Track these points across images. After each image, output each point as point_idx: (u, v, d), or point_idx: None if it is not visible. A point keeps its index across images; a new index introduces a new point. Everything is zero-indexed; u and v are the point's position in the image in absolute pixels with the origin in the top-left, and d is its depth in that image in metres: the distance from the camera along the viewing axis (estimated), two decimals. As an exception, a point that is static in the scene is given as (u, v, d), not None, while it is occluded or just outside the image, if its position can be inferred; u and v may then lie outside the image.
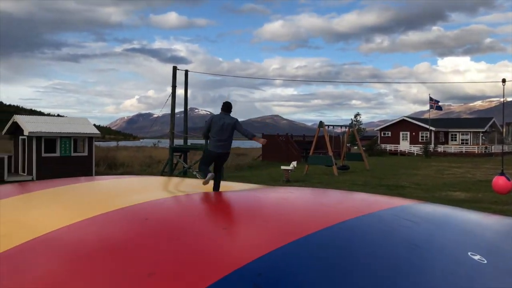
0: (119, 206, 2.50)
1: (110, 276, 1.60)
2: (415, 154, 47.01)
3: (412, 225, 2.76)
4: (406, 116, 56.47)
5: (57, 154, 19.40)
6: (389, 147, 51.85)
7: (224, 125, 5.49)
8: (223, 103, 5.94)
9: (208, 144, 5.83)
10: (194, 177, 19.30)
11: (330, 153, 22.85)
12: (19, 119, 19.64)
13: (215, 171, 5.30)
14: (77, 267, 1.69)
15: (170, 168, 21.86)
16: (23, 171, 19.36)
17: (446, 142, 52.97)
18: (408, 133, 52.96)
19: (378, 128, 58.89)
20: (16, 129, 19.84)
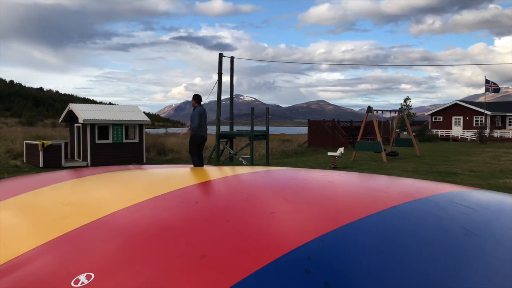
0: (171, 189, 2.56)
1: (164, 257, 1.64)
2: (469, 139, 45.04)
3: (468, 211, 2.65)
4: (459, 100, 54.05)
5: (110, 140, 20.19)
6: (441, 132, 49.97)
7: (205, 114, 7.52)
8: (199, 96, 8.63)
9: (196, 131, 7.87)
10: (240, 163, 19.49)
11: (379, 139, 22.34)
12: (74, 107, 20.57)
13: (199, 154, 6.87)
14: (133, 248, 1.75)
15: (217, 154, 22.19)
16: (79, 157, 20.32)
17: (503, 127, 50.30)
18: (461, 117, 50.76)
19: (429, 112, 56.83)
20: (72, 117, 20.80)
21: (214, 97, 23.31)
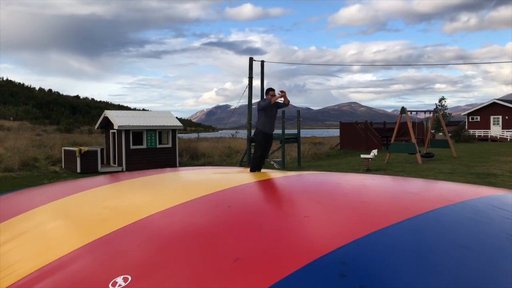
0: (203, 193, 2.59)
1: (198, 260, 1.66)
2: (509, 139, 43.39)
3: (509, 216, 2.55)
4: (497, 99, 52.14)
5: (144, 146, 20.61)
6: (478, 132, 48.37)
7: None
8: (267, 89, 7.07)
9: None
10: (272, 166, 19.49)
11: (413, 140, 21.84)
12: (109, 114, 21.12)
13: (261, 156, 6.26)
14: (168, 252, 1.78)
15: (248, 158, 22.26)
16: (114, 163, 20.83)
17: (545, 126, 48.19)
18: (500, 117, 48.95)
19: (466, 112, 55.10)
20: (107, 124, 21.36)
21: (245, 101, 23.41)
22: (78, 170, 19.02)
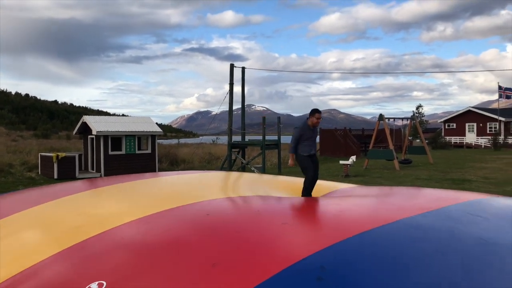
0: (183, 202, 2.59)
1: (175, 266, 1.66)
2: (483, 146, 44.47)
3: (482, 221, 2.62)
4: (472, 107, 53.46)
5: (123, 152, 20.38)
6: (454, 139, 49.43)
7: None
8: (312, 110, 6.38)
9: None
10: (252, 172, 19.51)
11: (391, 147, 22.18)
12: (87, 119, 20.82)
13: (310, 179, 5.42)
14: (144, 258, 1.77)
15: (229, 164, 22.22)
16: (92, 169, 20.52)
17: (518, 133, 49.56)
18: (475, 124, 50.16)
19: (442, 120, 56.27)
20: (85, 129, 21.06)
21: (226, 107, 23.41)
22: (55, 176, 18.67)
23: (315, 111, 6.35)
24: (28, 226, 2.35)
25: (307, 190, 4.92)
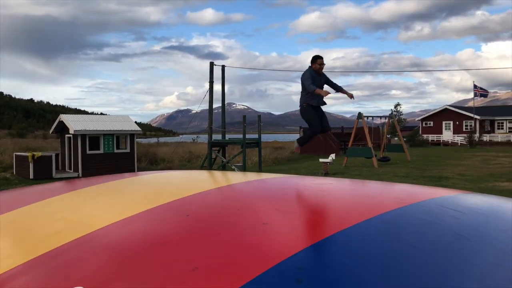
0: (162, 202, 2.56)
1: (155, 270, 1.64)
2: (459, 144, 45.45)
3: (458, 215, 2.67)
4: (449, 105, 54.65)
5: (101, 151, 20.09)
6: (431, 137, 50.38)
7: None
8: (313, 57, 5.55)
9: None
10: (233, 171, 19.49)
11: (370, 145, 22.47)
12: (64, 118, 20.45)
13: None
14: (123, 263, 1.74)
15: (209, 162, 22.14)
16: (70, 168, 20.16)
17: (492, 131, 50.82)
18: (451, 122, 51.24)
19: (420, 118, 57.30)
20: (62, 128, 20.68)
21: (206, 106, 23.32)
22: (31, 176, 18.29)
23: (316, 57, 5.67)
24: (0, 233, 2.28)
25: (304, 139, 4.48)
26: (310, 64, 5.51)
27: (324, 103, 5.57)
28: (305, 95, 5.28)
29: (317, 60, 5.58)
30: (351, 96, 5.69)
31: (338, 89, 5.72)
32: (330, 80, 5.60)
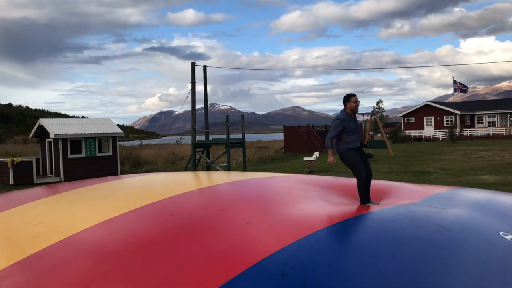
0: (145, 203, 2.54)
1: (139, 270, 1.63)
2: (440, 139, 46.17)
3: (440, 210, 2.72)
4: (430, 101, 55.44)
5: (83, 155, 19.82)
6: (413, 133, 51.05)
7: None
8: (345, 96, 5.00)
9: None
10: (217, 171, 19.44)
11: (353, 142, 22.63)
12: (44, 122, 20.11)
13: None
14: (107, 264, 1.72)
15: (193, 164, 22.05)
16: (51, 173, 19.85)
17: (472, 126, 51.79)
18: (432, 118, 52.01)
19: (401, 114, 57.99)
20: (43, 133, 20.34)
21: (189, 107, 23.20)
22: (11, 182, 17.94)
23: (350, 96, 5.10)
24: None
25: (364, 194, 4.01)
26: (343, 107, 4.95)
27: (364, 145, 5.06)
28: (343, 142, 4.63)
29: (351, 98, 5.05)
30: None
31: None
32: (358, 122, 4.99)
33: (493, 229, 2.28)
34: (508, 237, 2.12)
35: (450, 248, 2.00)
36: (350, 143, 4.72)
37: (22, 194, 3.66)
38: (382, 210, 2.63)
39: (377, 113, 53.67)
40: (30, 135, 21.97)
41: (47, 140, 19.98)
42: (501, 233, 2.16)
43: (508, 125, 49.58)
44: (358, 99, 5.12)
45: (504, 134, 45.74)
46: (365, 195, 4.09)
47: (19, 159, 18.84)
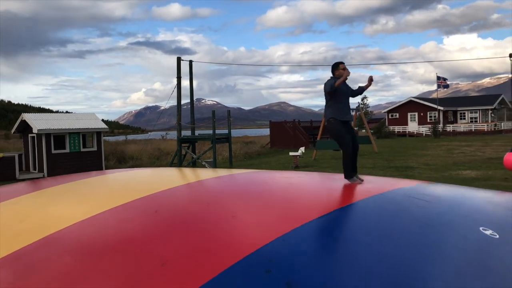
0: (130, 198, 2.53)
1: (124, 268, 1.62)
2: (424, 134, 46.72)
3: (422, 204, 2.77)
4: (414, 97, 56.01)
5: (67, 150, 19.58)
6: (397, 128, 51.57)
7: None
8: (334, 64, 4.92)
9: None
10: (203, 167, 19.37)
11: (338, 138, 22.78)
12: (27, 117, 19.78)
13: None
14: (91, 261, 1.71)
15: (179, 159, 21.95)
16: (34, 169, 19.57)
17: (455, 121, 52.51)
18: (416, 113, 52.57)
19: (386, 110, 58.51)
20: (25, 128, 20.01)
21: (174, 102, 23.06)
22: (-7, 178, 17.64)
23: (338, 63, 5.06)
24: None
25: (348, 169, 3.93)
26: (331, 75, 4.93)
27: (352, 119, 5.01)
28: (331, 109, 4.61)
29: (339, 65, 5.00)
30: (371, 79, 5.17)
31: (362, 88, 5.15)
32: (351, 88, 5.05)
33: (472, 224, 2.33)
34: (488, 232, 2.17)
35: (431, 243, 2.04)
36: (339, 113, 4.65)
37: (4, 190, 3.60)
38: (367, 201, 2.66)
39: (362, 109, 54.09)
40: (12, 130, 21.59)
41: (30, 135, 19.67)
42: (481, 228, 2.21)
43: (490, 121, 50.44)
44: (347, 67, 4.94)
45: (485, 130, 46.54)
46: (349, 170, 4.01)
47: (1, 154, 18.55)
